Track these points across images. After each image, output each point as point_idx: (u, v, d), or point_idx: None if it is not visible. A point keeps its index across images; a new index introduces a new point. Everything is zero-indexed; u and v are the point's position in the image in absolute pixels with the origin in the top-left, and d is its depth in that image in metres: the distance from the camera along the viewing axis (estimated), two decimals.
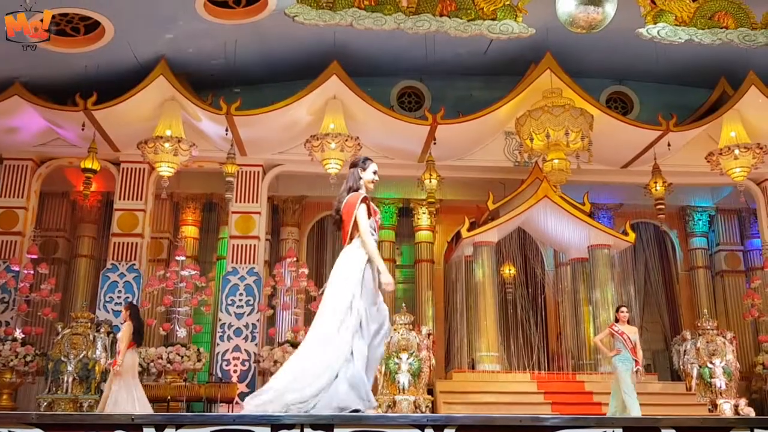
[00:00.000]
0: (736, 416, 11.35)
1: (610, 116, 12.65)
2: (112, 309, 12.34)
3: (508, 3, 11.34)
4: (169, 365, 11.37)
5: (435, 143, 12.66)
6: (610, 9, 8.58)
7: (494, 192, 13.75)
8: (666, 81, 14.11)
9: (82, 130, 11.99)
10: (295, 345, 11.95)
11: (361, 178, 5.19)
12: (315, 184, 13.91)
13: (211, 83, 12.98)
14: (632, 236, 13.74)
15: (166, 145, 11.49)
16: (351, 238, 5.02)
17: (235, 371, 12.45)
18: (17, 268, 12.31)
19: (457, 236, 14.58)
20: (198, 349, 11.74)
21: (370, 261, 4.92)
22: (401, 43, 12.12)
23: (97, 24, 11.18)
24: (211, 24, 11.38)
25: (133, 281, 12.73)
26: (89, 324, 11.19)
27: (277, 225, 15.48)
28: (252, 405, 4.54)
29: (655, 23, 11.50)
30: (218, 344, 12.71)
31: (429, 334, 12.38)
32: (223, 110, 11.90)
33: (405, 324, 11.61)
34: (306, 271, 12.88)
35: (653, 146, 12.92)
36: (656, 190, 12.76)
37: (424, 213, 15.54)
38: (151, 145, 11.51)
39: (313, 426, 3.79)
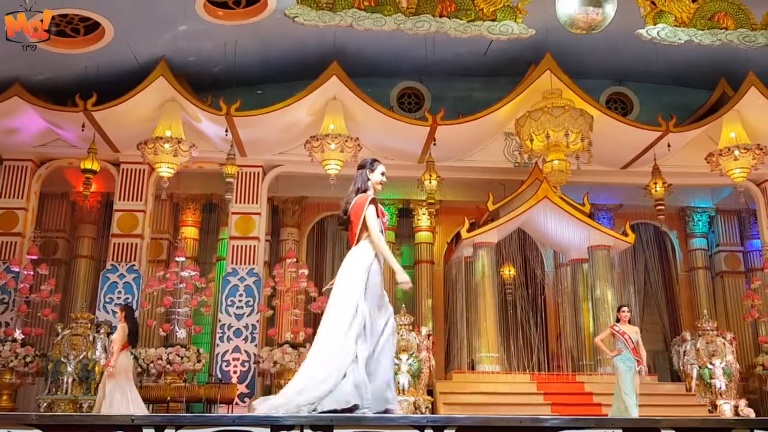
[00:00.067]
0: (736, 417, 11.35)
1: (609, 117, 12.66)
2: (112, 310, 12.31)
3: (508, 4, 11.34)
4: (168, 366, 11.36)
5: (435, 144, 12.66)
6: (609, 10, 8.59)
7: (494, 193, 13.75)
8: (666, 82, 14.12)
9: (82, 130, 11.99)
10: (294, 346, 11.98)
11: (369, 179, 5.23)
12: (315, 185, 13.90)
13: (210, 84, 12.98)
14: (632, 237, 13.74)
15: (166, 145, 11.49)
16: (358, 240, 5.06)
17: (234, 372, 12.45)
18: (17, 269, 12.30)
19: (457, 237, 14.58)
20: (198, 350, 11.73)
21: (376, 260, 4.97)
22: (401, 43, 12.12)
23: (97, 25, 11.19)
24: (211, 25, 11.39)
25: (133, 282, 12.73)
26: (89, 325, 11.21)
27: (276, 226, 15.48)
28: (264, 407, 4.58)
29: (655, 24, 11.50)
30: (218, 345, 12.71)
31: (429, 335, 12.40)
32: (222, 111, 11.90)
33: (405, 325, 11.62)
34: (306, 271, 12.87)
35: (653, 147, 12.92)
36: (656, 190, 12.76)
37: (423, 214, 15.53)
38: (150, 146, 11.51)
39: (312, 427, 3.79)
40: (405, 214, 16.03)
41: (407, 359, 11.34)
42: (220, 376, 12.32)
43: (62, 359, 10.67)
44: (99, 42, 11.41)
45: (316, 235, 16.09)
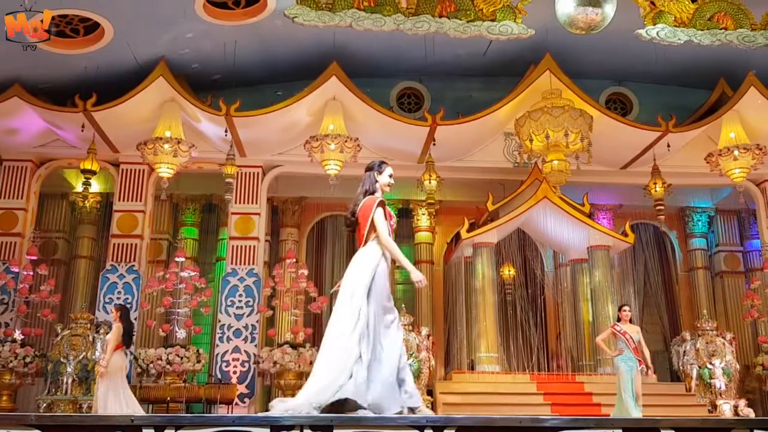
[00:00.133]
0: (736, 417, 11.36)
1: (609, 117, 12.66)
2: (112, 310, 12.31)
3: (507, 4, 11.33)
4: (168, 366, 11.36)
5: (434, 144, 12.66)
6: (609, 10, 8.59)
7: (494, 193, 13.75)
8: (665, 82, 14.12)
9: (82, 131, 11.99)
10: (294, 346, 11.98)
11: (377, 181, 5.26)
12: (314, 185, 13.90)
13: (210, 84, 12.98)
14: (632, 237, 13.74)
15: (166, 146, 11.48)
16: (366, 241, 5.09)
17: (234, 372, 12.45)
18: (17, 270, 12.30)
19: (457, 237, 14.58)
20: (197, 351, 11.74)
21: (383, 261, 5.01)
22: (401, 44, 12.12)
23: (96, 25, 11.18)
24: (211, 25, 11.38)
25: (133, 282, 12.73)
26: (89, 325, 11.21)
27: (276, 226, 15.47)
28: (281, 408, 4.62)
29: (655, 24, 11.49)
30: (218, 345, 12.71)
31: (428, 335, 12.41)
32: (222, 111, 11.90)
33: (405, 325, 11.60)
34: (305, 272, 12.87)
35: (653, 147, 12.92)
36: (656, 190, 12.76)
37: (423, 214, 15.53)
38: (150, 147, 11.51)
39: (312, 427, 3.79)
40: (404, 214, 16.01)
41: (407, 359, 11.33)
42: (219, 376, 12.32)
43: (62, 360, 10.67)
44: (99, 42, 11.41)
45: (315, 236, 16.08)
